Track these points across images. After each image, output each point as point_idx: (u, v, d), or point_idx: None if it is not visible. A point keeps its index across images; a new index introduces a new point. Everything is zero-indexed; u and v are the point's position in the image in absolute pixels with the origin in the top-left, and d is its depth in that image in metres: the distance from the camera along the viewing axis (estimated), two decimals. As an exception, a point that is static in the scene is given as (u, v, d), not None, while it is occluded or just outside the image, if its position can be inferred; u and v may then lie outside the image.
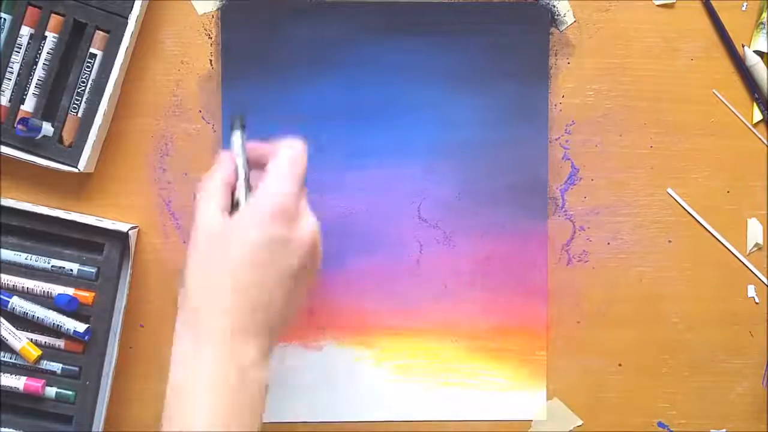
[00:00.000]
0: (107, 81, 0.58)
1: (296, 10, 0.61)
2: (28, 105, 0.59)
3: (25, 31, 0.58)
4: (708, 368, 0.64)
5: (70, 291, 0.59)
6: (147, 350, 0.62)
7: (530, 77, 0.62)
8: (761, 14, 0.62)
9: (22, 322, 0.59)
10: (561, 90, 0.62)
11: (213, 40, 0.61)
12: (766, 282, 0.63)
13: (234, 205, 0.52)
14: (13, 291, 0.59)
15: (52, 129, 0.59)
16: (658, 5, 0.62)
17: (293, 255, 0.51)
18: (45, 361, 0.60)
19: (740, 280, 0.64)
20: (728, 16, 0.62)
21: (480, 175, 0.62)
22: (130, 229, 0.59)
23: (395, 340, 0.63)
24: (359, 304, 0.63)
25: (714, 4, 0.62)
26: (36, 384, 0.59)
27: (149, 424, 0.62)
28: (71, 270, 0.60)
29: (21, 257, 0.60)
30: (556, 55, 0.62)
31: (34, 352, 0.59)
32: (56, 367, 0.60)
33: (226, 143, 0.61)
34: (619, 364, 0.63)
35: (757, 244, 0.63)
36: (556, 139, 0.62)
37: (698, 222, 0.63)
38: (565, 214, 0.63)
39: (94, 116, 0.59)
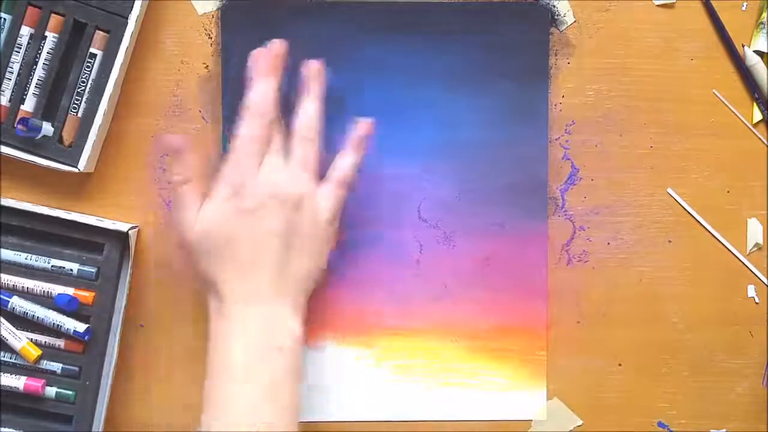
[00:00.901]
0: (107, 81, 0.58)
1: (296, 10, 0.61)
2: (28, 105, 0.59)
3: (25, 31, 0.58)
4: (708, 368, 0.64)
5: (70, 291, 0.59)
6: (147, 350, 0.62)
7: (530, 77, 0.62)
8: (761, 14, 0.62)
9: (22, 322, 0.59)
10: (561, 90, 0.62)
11: (213, 40, 0.61)
12: (766, 282, 0.63)
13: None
14: (13, 291, 0.59)
15: (52, 129, 0.59)
16: (658, 5, 0.62)
17: (274, 217, 0.55)
18: (45, 361, 0.60)
19: (740, 280, 0.63)
20: (728, 16, 0.62)
21: (480, 175, 0.62)
22: (130, 229, 0.59)
23: (395, 340, 0.63)
24: (359, 304, 0.63)
25: (714, 4, 0.62)
26: (36, 384, 0.59)
27: (149, 424, 0.62)
28: (71, 270, 0.60)
29: (21, 257, 0.60)
30: (556, 55, 0.62)
31: (34, 352, 0.59)
32: (56, 367, 0.60)
33: (225, 143, 0.61)
34: (619, 364, 0.63)
35: (757, 244, 0.63)
36: (556, 139, 0.62)
37: (698, 222, 0.63)
38: (565, 214, 0.63)
39: (94, 116, 0.58)
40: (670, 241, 0.63)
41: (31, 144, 0.59)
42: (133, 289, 0.61)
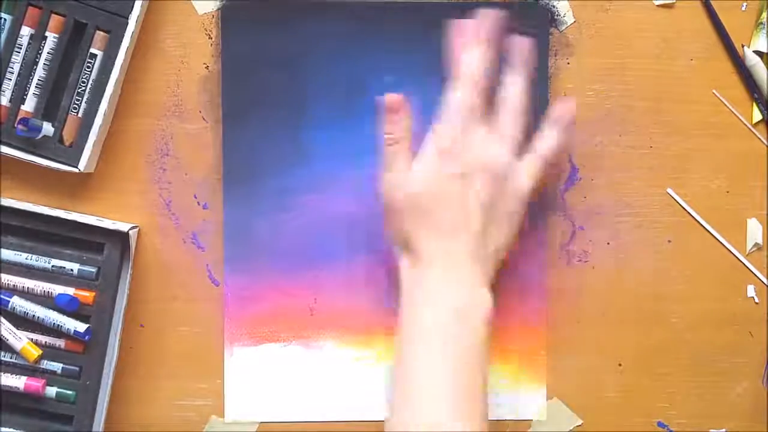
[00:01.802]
0: (107, 81, 0.58)
1: (296, 10, 0.61)
2: (29, 105, 0.59)
3: (26, 31, 0.58)
4: (708, 368, 0.63)
5: (70, 291, 0.59)
6: (147, 350, 0.62)
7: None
8: (761, 14, 0.62)
9: (23, 322, 0.59)
10: (561, 90, 0.62)
11: (213, 40, 0.61)
12: (765, 282, 0.63)
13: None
14: (14, 291, 0.59)
15: (53, 129, 0.59)
16: (658, 5, 0.62)
17: (471, 184, 0.55)
18: (45, 361, 0.59)
19: (740, 280, 0.63)
20: (728, 16, 0.62)
21: (480, 175, 0.62)
22: (130, 229, 0.59)
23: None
24: (359, 304, 0.62)
25: (714, 4, 0.62)
26: (36, 384, 0.59)
27: (149, 424, 0.62)
28: (71, 270, 0.59)
29: (21, 257, 0.59)
30: (556, 55, 0.62)
31: (35, 352, 0.59)
32: (56, 366, 0.60)
33: (225, 143, 0.61)
34: (619, 364, 0.63)
35: (756, 244, 0.63)
36: (556, 139, 0.62)
37: (698, 222, 0.63)
38: (565, 214, 0.63)
39: (95, 116, 0.58)
40: (670, 241, 0.63)
41: (31, 144, 0.58)
42: (133, 289, 0.61)
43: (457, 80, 0.57)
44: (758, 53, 0.62)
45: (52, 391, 0.60)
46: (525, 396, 0.63)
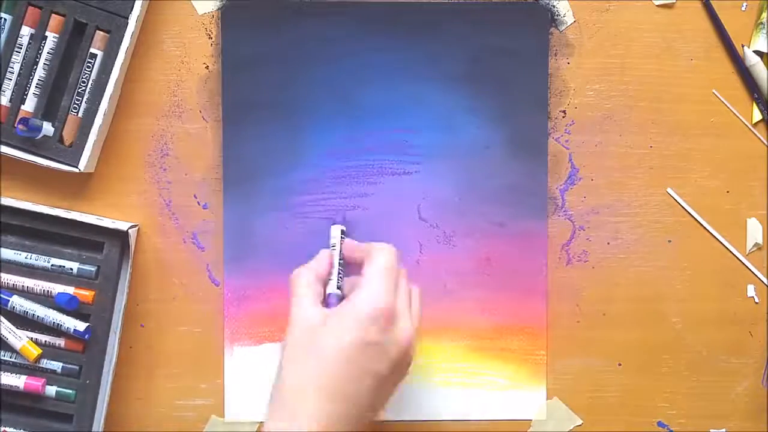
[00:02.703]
0: (107, 81, 0.58)
1: (296, 10, 0.61)
2: (29, 105, 0.58)
3: (26, 31, 0.58)
4: (708, 368, 0.63)
5: (70, 290, 0.58)
6: (147, 350, 0.62)
7: (530, 77, 0.61)
8: (761, 14, 0.61)
9: (23, 321, 0.59)
10: (561, 90, 0.61)
11: (213, 40, 0.61)
12: (765, 282, 0.63)
13: (325, 298, 0.55)
14: (13, 290, 0.59)
15: (53, 129, 0.58)
16: (658, 5, 0.61)
17: (386, 359, 0.52)
18: (45, 360, 0.59)
19: (740, 279, 0.63)
20: (728, 16, 0.61)
21: (480, 175, 0.62)
22: (129, 228, 0.59)
23: (395, 339, 0.62)
24: (359, 304, 0.62)
25: (714, 4, 0.61)
26: (36, 383, 0.58)
27: (149, 424, 0.62)
28: (71, 269, 0.59)
29: (21, 256, 0.59)
30: (556, 55, 0.61)
31: (34, 351, 0.58)
32: (56, 366, 0.59)
33: (225, 143, 0.61)
34: (619, 364, 0.63)
35: (756, 244, 0.62)
36: (556, 139, 0.61)
37: (698, 222, 0.62)
38: (565, 214, 0.62)
39: (95, 116, 0.58)
40: (670, 241, 0.62)
41: (31, 144, 0.58)
42: (133, 289, 0.61)
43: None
44: (758, 53, 0.61)
45: (52, 390, 0.59)
46: (525, 396, 0.62)
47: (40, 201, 0.60)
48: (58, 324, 0.58)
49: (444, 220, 0.62)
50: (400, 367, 0.53)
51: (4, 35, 0.58)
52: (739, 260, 0.62)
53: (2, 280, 0.58)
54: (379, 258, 0.54)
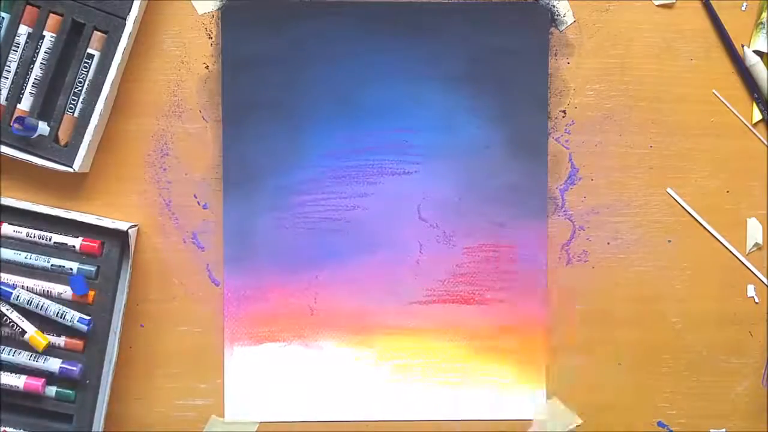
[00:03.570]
0: (104, 81, 0.57)
1: (296, 10, 0.59)
2: (25, 104, 0.57)
3: (23, 30, 0.57)
4: (708, 368, 0.62)
5: (69, 290, 0.57)
6: (147, 350, 0.60)
7: (530, 77, 0.60)
8: (761, 14, 0.60)
9: (26, 316, 0.57)
10: (561, 90, 0.60)
11: (213, 40, 0.59)
12: (765, 282, 0.61)
13: None
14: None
15: (48, 128, 0.57)
16: (657, 5, 0.60)
17: None
18: (45, 359, 0.58)
19: (740, 279, 0.62)
20: (728, 16, 0.60)
21: (480, 175, 0.60)
22: (129, 228, 0.57)
23: (395, 340, 0.61)
24: (359, 304, 0.61)
25: (714, 4, 0.60)
26: (36, 383, 0.57)
27: (149, 424, 0.61)
28: (71, 269, 0.58)
29: (21, 256, 0.58)
30: (556, 55, 0.60)
31: (42, 341, 0.57)
32: (56, 365, 0.58)
33: (225, 143, 0.60)
34: (619, 364, 0.61)
35: (756, 244, 0.61)
36: (556, 139, 0.60)
37: (698, 222, 0.61)
38: (565, 214, 0.61)
39: (90, 116, 0.57)
40: (670, 241, 0.61)
41: (27, 143, 0.57)
42: (133, 289, 0.59)
43: None
44: (758, 53, 0.60)
45: (51, 390, 0.58)
46: (525, 396, 0.61)
47: (39, 201, 0.59)
48: (61, 313, 0.57)
49: (444, 220, 0.61)
50: None
51: (1, 34, 0.56)
52: (739, 260, 0.61)
53: (2, 280, 0.57)
54: None
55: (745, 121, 0.61)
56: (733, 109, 0.61)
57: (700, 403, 0.62)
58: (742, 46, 0.60)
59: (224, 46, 0.59)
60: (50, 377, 0.58)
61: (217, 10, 0.59)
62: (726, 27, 0.60)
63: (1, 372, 0.57)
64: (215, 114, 0.60)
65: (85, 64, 0.57)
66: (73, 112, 0.57)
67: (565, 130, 0.61)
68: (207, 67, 0.59)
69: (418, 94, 0.60)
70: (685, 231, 0.61)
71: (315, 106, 0.60)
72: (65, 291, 0.57)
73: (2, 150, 0.56)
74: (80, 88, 0.57)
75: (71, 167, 0.57)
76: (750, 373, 0.62)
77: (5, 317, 0.57)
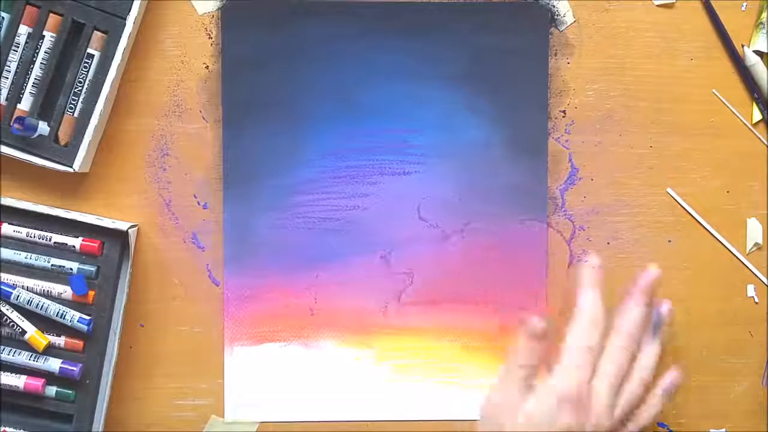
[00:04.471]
0: (104, 81, 0.56)
1: (296, 10, 0.59)
2: (25, 104, 0.56)
3: (23, 30, 0.56)
4: (708, 368, 0.61)
5: (69, 290, 0.57)
6: (147, 350, 0.60)
7: (530, 77, 0.59)
8: (761, 14, 0.60)
9: (25, 316, 0.57)
10: (561, 90, 0.59)
11: (213, 40, 0.59)
12: (765, 282, 0.61)
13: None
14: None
15: (48, 128, 0.56)
16: (657, 5, 0.60)
17: None
18: (45, 359, 0.57)
19: (740, 280, 0.61)
20: (728, 16, 0.59)
21: (480, 175, 0.60)
22: (129, 228, 0.57)
23: (395, 340, 0.60)
24: (359, 304, 0.60)
25: (714, 4, 0.59)
26: (36, 383, 0.57)
27: (149, 424, 0.60)
28: (71, 269, 0.57)
29: (21, 256, 0.57)
30: (556, 55, 0.59)
31: (43, 341, 0.56)
32: (56, 365, 0.57)
33: (225, 143, 0.59)
34: (619, 364, 0.60)
35: (756, 244, 0.61)
36: (556, 139, 0.59)
37: (698, 222, 0.60)
38: (565, 214, 0.60)
39: (90, 116, 0.56)
40: (670, 241, 0.60)
41: (27, 143, 0.56)
42: (132, 289, 0.59)
43: (576, 322, 0.54)
44: (758, 53, 0.59)
45: (51, 390, 0.57)
46: (525, 396, 0.60)
47: (39, 201, 0.58)
48: (61, 313, 0.56)
49: (444, 220, 0.60)
50: None
51: (1, 33, 0.56)
52: (739, 260, 0.61)
53: (2, 280, 0.57)
54: (580, 317, 0.53)
55: (745, 121, 0.60)
56: (733, 109, 0.60)
57: (700, 403, 0.61)
58: (742, 46, 0.59)
59: (224, 46, 0.58)
60: (50, 377, 0.57)
61: (217, 10, 0.58)
62: (726, 27, 0.59)
63: (1, 372, 0.56)
64: (215, 114, 0.59)
65: (85, 64, 0.56)
66: (73, 112, 0.56)
67: (565, 130, 0.60)
68: (207, 67, 0.59)
69: (419, 93, 0.59)
70: (685, 231, 0.60)
71: (315, 105, 0.59)
72: (65, 291, 0.57)
73: (2, 150, 0.56)
74: (80, 88, 0.56)
75: (71, 167, 0.56)
76: (750, 373, 0.61)
77: (5, 317, 0.56)
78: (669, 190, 0.60)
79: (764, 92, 0.59)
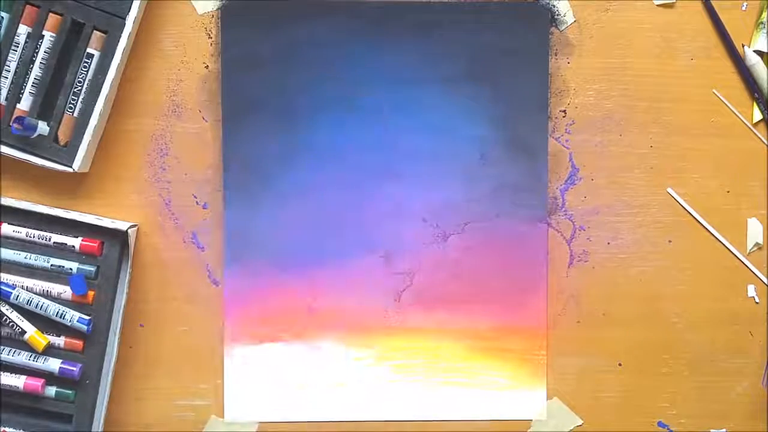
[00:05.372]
0: (104, 81, 0.56)
1: (296, 10, 0.58)
2: (24, 104, 0.56)
3: (23, 29, 0.56)
4: (708, 368, 0.61)
5: (69, 290, 0.56)
6: (147, 350, 0.59)
7: (530, 77, 0.59)
8: (761, 14, 0.59)
9: (25, 316, 0.56)
10: (561, 90, 0.59)
11: (213, 40, 0.58)
12: (766, 282, 0.60)
13: None
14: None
15: (48, 128, 0.56)
16: (658, 5, 0.59)
17: None
18: (45, 359, 0.57)
19: (740, 279, 0.61)
20: (728, 16, 0.59)
21: (480, 175, 0.59)
22: (129, 228, 0.56)
23: (395, 340, 0.60)
24: (359, 305, 0.60)
25: (714, 4, 0.59)
26: (36, 383, 0.56)
27: (149, 424, 0.60)
28: (71, 269, 0.57)
29: (21, 256, 0.57)
30: (556, 55, 0.59)
31: (42, 341, 0.56)
32: (56, 365, 0.57)
33: (225, 143, 0.59)
34: (619, 364, 0.60)
35: (756, 244, 0.60)
36: (557, 139, 0.59)
37: (698, 222, 0.60)
38: (565, 214, 0.60)
39: (90, 116, 0.56)
40: (670, 241, 0.60)
41: (26, 143, 0.56)
42: (132, 289, 0.58)
43: None
44: (758, 53, 0.59)
45: (51, 390, 0.57)
46: (525, 396, 0.60)
47: (39, 201, 0.58)
48: (61, 314, 0.56)
49: (444, 220, 0.59)
50: None
51: (1, 33, 0.55)
52: (739, 260, 0.60)
53: (2, 280, 0.56)
54: None
55: (745, 121, 0.60)
56: (733, 109, 0.60)
57: (700, 403, 0.61)
58: (743, 45, 0.59)
59: (224, 46, 0.58)
60: (50, 377, 0.56)
61: (217, 10, 0.58)
62: (726, 27, 0.59)
63: (1, 372, 0.56)
64: (215, 114, 0.58)
65: (85, 64, 0.56)
66: (73, 112, 0.56)
67: (566, 129, 0.59)
68: (207, 67, 0.58)
69: (418, 93, 0.59)
70: (685, 231, 0.60)
71: (315, 105, 0.59)
72: (65, 291, 0.56)
73: (2, 150, 0.55)
74: (80, 88, 0.56)
75: (71, 167, 0.56)
76: (750, 373, 0.61)
77: (5, 317, 0.56)
78: (669, 190, 0.60)
79: (764, 92, 0.59)
